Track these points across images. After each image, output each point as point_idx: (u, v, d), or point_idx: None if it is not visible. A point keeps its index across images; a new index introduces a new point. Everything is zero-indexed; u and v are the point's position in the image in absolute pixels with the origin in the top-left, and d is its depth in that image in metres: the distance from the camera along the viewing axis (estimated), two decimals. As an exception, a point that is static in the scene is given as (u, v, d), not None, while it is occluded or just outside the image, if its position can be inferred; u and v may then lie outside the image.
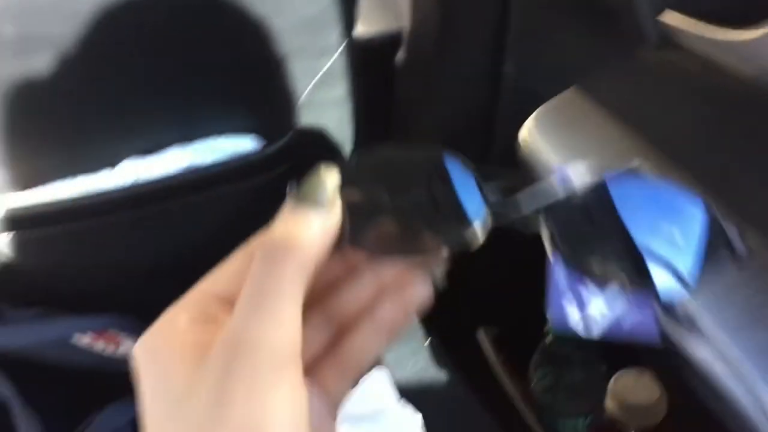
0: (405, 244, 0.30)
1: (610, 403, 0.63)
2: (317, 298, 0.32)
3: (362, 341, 0.31)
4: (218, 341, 0.27)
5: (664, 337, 0.50)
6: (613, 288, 0.27)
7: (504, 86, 0.79)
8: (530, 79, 0.76)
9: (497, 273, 0.85)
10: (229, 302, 0.29)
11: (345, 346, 0.31)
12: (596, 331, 0.28)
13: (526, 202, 0.29)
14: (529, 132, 0.65)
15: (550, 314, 0.29)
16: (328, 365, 0.31)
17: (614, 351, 0.78)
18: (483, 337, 0.96)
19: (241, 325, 0.27)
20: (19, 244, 0.85)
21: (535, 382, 0.83)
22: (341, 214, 0.29)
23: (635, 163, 0.59)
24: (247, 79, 0.87)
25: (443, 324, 0.80)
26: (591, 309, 0.28)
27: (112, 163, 0.90)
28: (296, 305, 0.27)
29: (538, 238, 0.30)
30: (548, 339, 0.81)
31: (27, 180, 0.88)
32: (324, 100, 0.90)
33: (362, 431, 0.51)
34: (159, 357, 0.28)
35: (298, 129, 0.91)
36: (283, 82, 0.87)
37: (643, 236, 0.27)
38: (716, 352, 0.47)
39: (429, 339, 0.75)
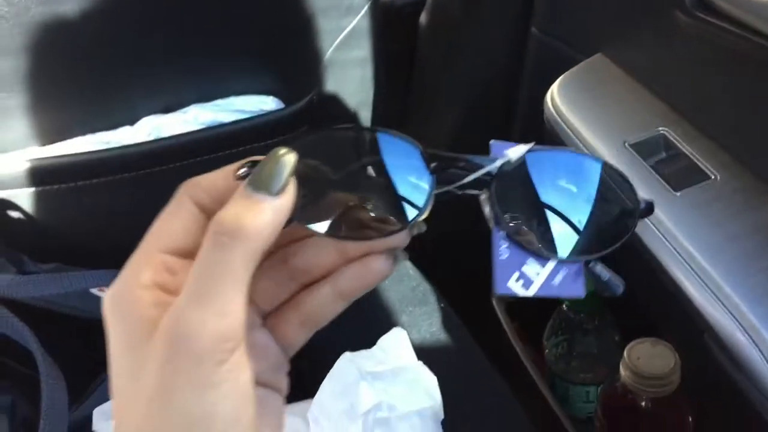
0: (355, 224, 0.30)
1: (623, 372, 0.64)
2: (283, 255, 0.32)
3: (320, 302, 0.32)
4: (164, 321, 0.27)
5: (684, 305, 0.50)
6: (543, 251, 0.31)
7: (529, 49, 0.78)
8: (557, 42, 0.74)
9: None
10: (184, 256, 0.29)
11: (306, 303, 0.32)
12: (531, 290, 0.31)
13: (468, 175, 0.31)
14: (554, 96, 0.65)
15: (493, 280, 0.31)
16: (288, 317, 0.32)
17: (629, 320, 0.78)
18: (496, 305, 0.96)
19: (184, 313, 0.27)
20: (39, 199, 0.85)
21: (548, 349, 0.83)
22: (294, 199, 0.29)
23: (660, 130, 0.58)
24: (269, 37, 0.86)
25: (457, 289, 0.81)
26: (526, 270, 0.31)
27: (132, 119, 0.91)
28: (241, 294, 0.27)
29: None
30: (563, 307, 0.82)
31: (47, 135, 0.88)
32: (346, 60, 0.89)
33: (381, 389, 0.51)
34: (121, 316, 0.28)
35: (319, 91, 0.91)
36: (306, 41, 0.86)
37: (551, 200, 0.31)
38: (735, 320, 0.47)
39: (443, 302, 0.76)
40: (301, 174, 0.29)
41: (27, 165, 0.83)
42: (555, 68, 0.68)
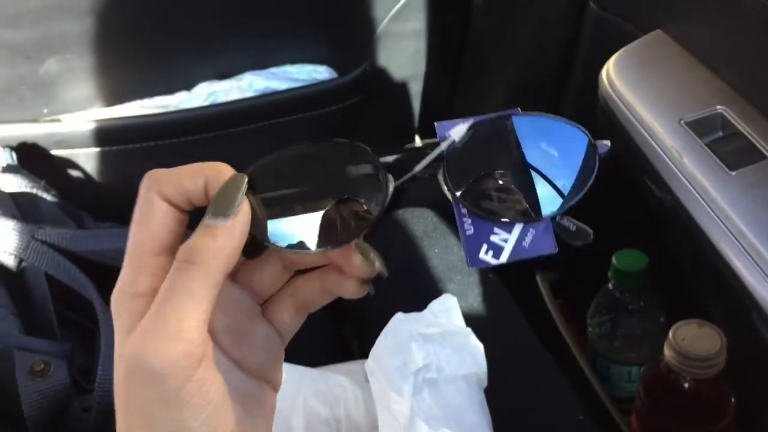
0: (318, 238, 0.31)
1: (668, 352, 0.63)
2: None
3: (313, 291, 0.34)
4: (128, 342, 0.29)
5: (734, 285, 0.50)
6: (508, 218, 0.32)
7: (586, 24, 0.77)
8: (615, 18, 0.73)
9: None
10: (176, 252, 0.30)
11: (300, 290, 0.34)
12: (503, 257, 0.31)
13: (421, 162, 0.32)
14: (610, 72, 0.64)
15: (465, 255, 0.32)
16: (284, 303, 0.34)
17: (675, 301, 0.77)
18: (541, 282, 0.96)
19: (142, 336, 0.28)
20: (99, 159, 0.88)
21: (591, 328, 0.83)
22: (249, 220, 0.30)
23: (717, 109, 0.57)
24: (325, 6, 0.87)
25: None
26: (495, 239, 0.32)
27: (189, 85, 0.92)
28: (201, 312, 0.29)
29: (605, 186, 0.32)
30: (608, 286, 0.81)
31: (108, 97, 0.91)
32: (400, 32, 0.89)
33: (430, 351, 0.52)
34: (120, 324, 0.30)
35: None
36: (361, 11, 0.86)
37: (504, 167, 0.32)
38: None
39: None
40: (262, 195, 0.30)
41: (88, 126, 0.85)
42: (612, 44, 0.67)
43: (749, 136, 0.55)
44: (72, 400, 0.60)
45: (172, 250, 0.30)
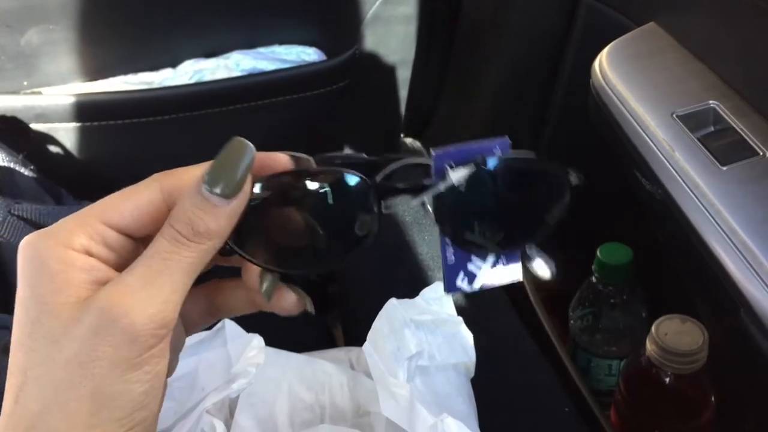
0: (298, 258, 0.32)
1: (649, 346, 0.63)
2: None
3: (233, 303, 0.34)
4: (104, 294, 0.28)
5: (722, 281, 0.50)
6: (485, 250, 0.35)
7: (579, 14, 0.77)
8: (609, 9, 0.73)
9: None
10: (126, 235, 0.30)
11: (216, 296, 0.34)
12: (476, 285, 0.35)
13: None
14: (602, 63, 0.64)
15: (444, 279, 0.35)
16: (197, 304, 0.34)
17: (659, 296, 0.77)
18: (523, 274, 0.96)
19: (130, 292, 0.28)
20: (79, 134, 0.86)
21: (573, 321, 0.83)
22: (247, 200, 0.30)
23: (710, 103, 0.57)
24: (315, -13, 0.86)
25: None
26: (471, 267, 0.35)
27: (174, 62, 0.91)
28: (185, 288, 0.29)
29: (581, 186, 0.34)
30: (592, 279, 0.81)
31: (91, 71, 0.89)
32: (391, 16, 0.88)
33: (423, 338, 0.52)
34: (47, 272, 0.28)
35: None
36: (352, -7, 0.85)
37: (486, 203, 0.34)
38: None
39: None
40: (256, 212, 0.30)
41: (70, 100, 0.84)
42: (605, 35, 0.66)
43: (741, 132, 0.55)
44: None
45: (125, 232, 0.30)
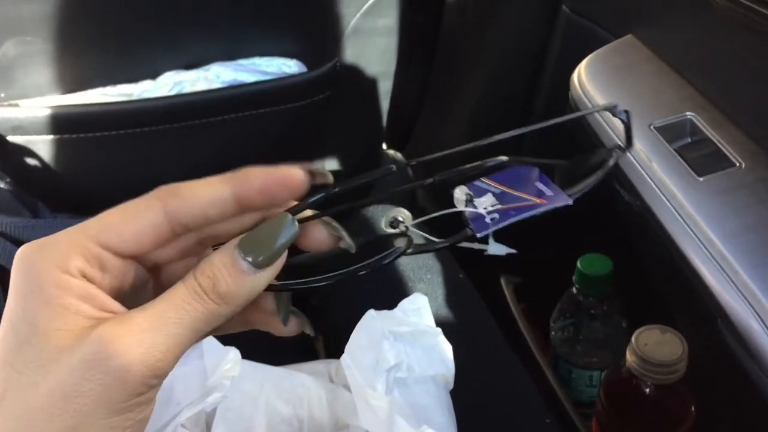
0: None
1: (630, 357, 0.63)
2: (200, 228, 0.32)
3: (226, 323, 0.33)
4: (104, 330, 0.27)
5: (699, 291, 0.50)
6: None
7: (559, 27, 0.78)
8: (587, 22, 0.74)
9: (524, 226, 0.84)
10: (122, 257, 0.29)
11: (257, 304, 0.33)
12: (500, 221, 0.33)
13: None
14: (581, 75, 0.64)
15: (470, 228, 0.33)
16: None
17: (637, 307, 0.78)
18: (505, 285, 0.96)
19: (126, 334, 0.27)
20: (57, 147, 0.85)
21: (554, 332, 0.83)
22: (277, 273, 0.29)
23: (687, 115, 0.58)
24: (296, 0, 0.86)
25: (471, 264, 0.80)
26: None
27: (154, 74, 0.90)
28: (185, 348, 0.28)
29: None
30: (572, 290, 0.81)
31: (69, 83, 0.88)
32: (372, 28, 0.89)
33: (401, 350, 0.51)
34: (41, 296, 0.27)
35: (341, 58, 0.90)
36: (332, 5, 0.85)
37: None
38: (751, 308, 0.47)
39: (461, 273, 0.76)
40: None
41: (47, 112, 0.83)
42: (584, 47, 0.67)
43: (718, 143, 0.56)
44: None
45: (121, 254, 0.29)
